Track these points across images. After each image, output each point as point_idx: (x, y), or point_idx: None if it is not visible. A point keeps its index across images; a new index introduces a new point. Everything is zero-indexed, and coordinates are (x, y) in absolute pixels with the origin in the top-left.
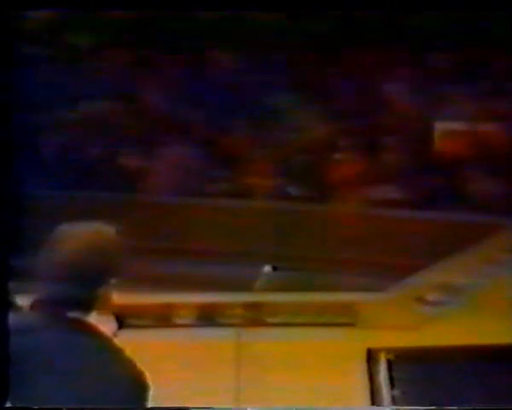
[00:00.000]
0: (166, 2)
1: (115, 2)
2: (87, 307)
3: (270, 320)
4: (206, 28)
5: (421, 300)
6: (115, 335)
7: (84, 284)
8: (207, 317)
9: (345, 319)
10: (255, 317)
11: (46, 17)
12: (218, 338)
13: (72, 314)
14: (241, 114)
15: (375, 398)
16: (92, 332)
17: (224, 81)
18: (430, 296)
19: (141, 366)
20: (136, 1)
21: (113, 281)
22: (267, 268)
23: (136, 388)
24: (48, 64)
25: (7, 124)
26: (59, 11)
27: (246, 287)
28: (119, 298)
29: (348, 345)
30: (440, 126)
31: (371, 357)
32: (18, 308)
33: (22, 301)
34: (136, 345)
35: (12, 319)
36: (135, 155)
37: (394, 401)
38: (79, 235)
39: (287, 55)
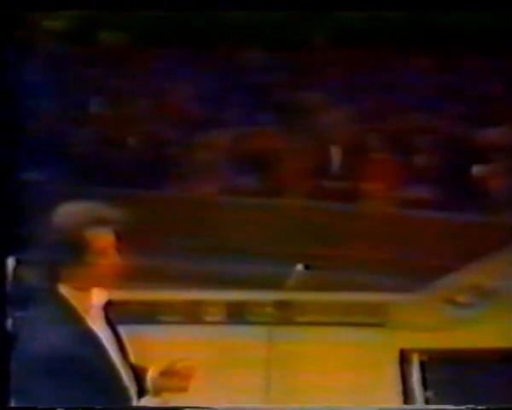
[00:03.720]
0: (196, 1)
1: (145, 3)
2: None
3: (300, 319)
4: (235, 27)
5: (451, 301)
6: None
7: (75, 258)
8: (237, 315)
9: (375, 319)
10: (285, 315)
11: (78, 15)
12: (248, 336)
13: (63, 291)
14: (273, 113)
15: (408, 399)
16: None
17: (253, 80)
18: (460, 298)
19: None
20: (167, 1)
21: (103, 261)
22: (299, 267)
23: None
24: (80, 62)
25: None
26: (90, 11)
27: (277, 285)
28: (148, 294)
29: (379, 345)
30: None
31: (404, 358)
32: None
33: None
34: (164, 341)
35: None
36: (166, 152)
37: (428, 403)
38: (74, 212)
39: (316, 53)
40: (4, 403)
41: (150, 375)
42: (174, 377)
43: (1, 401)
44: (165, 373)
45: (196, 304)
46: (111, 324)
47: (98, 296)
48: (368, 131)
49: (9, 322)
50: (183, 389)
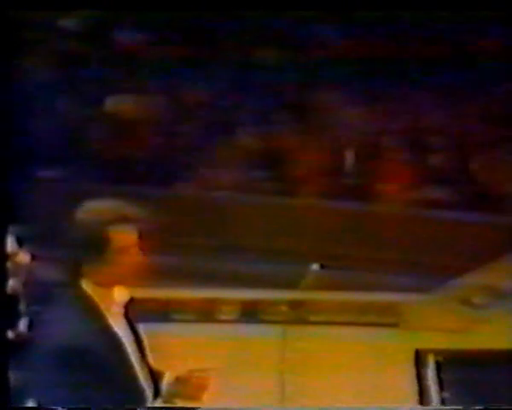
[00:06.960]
0: (211, 1)
1: (160, 3)
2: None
3: (314, 319)
4: (251, 27)
5: (466, 302)
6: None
7: (96, 254)
8: (252, 313)
9: (389, 319)
10: (300, 315)
11: (93, 14)
12: (262, 335)
13: (85, 287)
14: (288, 113)
15: (423, 400)
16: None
17: (268, 79)
18: (475, 299)
19: (184, 360)
20: (181, 1)
21: (125, 258)
22: (314, 266)
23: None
24: (94, 60)
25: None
26: (105, 11)
27: (292, 284)
28: (162, 292)
29: (394, 346)
30: None
31: (419, 359)
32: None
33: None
34: (178, 340)
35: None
36: (182, 150)
37: (444, 404)
38: (97, 210)
39: (331, 53)
40: (4, 403)
41: (166, 380)
42: (189, 385)
43: (1, 401)
44: (181, 380)
45: (211, 303)
46: (130, 322)
47: (120, 294)
48: (383, 131)
49: (24, 320)
50: (197, 399)
